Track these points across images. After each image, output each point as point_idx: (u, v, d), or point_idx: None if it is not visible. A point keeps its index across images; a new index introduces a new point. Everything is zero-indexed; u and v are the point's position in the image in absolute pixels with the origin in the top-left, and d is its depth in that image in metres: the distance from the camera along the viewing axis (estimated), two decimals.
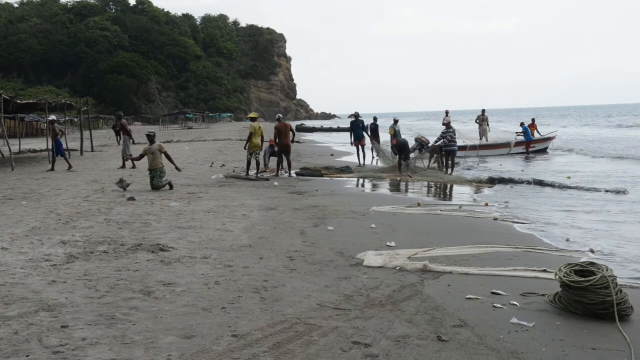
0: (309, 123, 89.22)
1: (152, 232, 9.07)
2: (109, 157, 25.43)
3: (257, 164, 17.63)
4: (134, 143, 21.03)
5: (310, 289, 6.26)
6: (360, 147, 21.71)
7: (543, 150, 28.96)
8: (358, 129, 21.75)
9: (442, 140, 19.13)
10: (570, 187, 15.27)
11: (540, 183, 15.97)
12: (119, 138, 21.52)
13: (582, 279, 5.43)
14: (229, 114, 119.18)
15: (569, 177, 17.38)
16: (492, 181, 17.02)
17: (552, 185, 15.72)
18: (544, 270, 7.00)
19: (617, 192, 14.30)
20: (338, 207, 11.77)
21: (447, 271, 6.99)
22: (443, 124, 19.68)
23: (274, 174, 18.39)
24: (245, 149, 17.67)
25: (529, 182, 16.22)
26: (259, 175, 17.46)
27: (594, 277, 5.41)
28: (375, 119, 25.23)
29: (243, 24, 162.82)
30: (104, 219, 10.25)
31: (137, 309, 5.52)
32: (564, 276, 5.56)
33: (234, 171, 18.66)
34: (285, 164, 18.42)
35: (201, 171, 19.31)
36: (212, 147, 32.18)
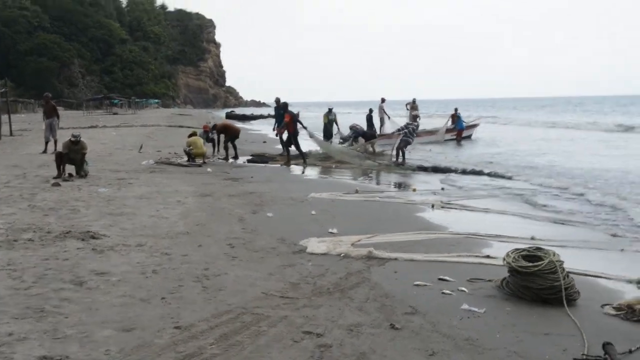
0: (238, 111, 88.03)
1: (81, 219, 8.54)
2: (29, 142, 24.11)
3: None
4: (59, 127, 19.99)
5: (254, 277, 6.00)
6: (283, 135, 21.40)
7: (468, 137, 29.80)
8: (281, 116, 21.42)
9: (404, 131, 19.10)
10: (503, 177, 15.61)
11: (477, 173, 16.19)
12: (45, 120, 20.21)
13: (531, 264, 5.41)
14: (157, 101, 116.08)
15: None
16: (424, 169, 17.23)
17: (486, 173, 16.01)
18: (488, 256, 7.01)
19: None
20: (276, 194, 11.52)
21: (393, 257, 6.87)
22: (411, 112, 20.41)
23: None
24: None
25: (464, 171, 16.41)
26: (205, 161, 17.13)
27: (542, 262, 5.40)
28: (370, 110, 27.00)
29: (171, 8, 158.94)
30: (28, 205, 9.59)
31: (68, 301, 5.12)
32: (512, 261, 5.53)
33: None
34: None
35: (130, 156, 18.58)
36: (140, 133, 31.06)
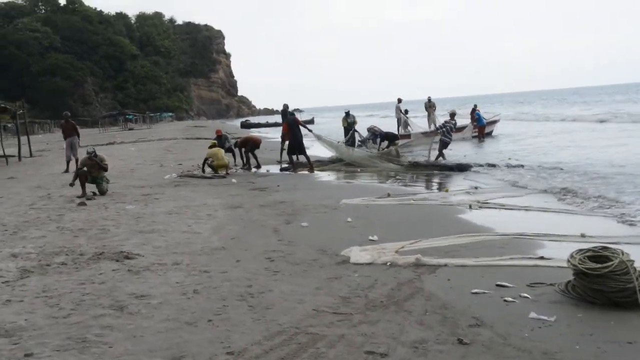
0: (253, 119, 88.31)
1: (112, 239, 8.27)
2: (50, 162, 24.07)
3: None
4: (79, 146, 19.85)
5: (301, 293, 5.68)
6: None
7: (489, 134, 29.35)
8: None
9: (441, 130, 18.86)
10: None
11: (507, 169, 15.84)
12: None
13: (600, 265, 5.03)
14: (170, 114, 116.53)
15: None
16: (450, 169, 16.85)
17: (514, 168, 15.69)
18: (542, 258, 6.64)
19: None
20: (306, 202, 11.20)
21: (442, 264, 6.52)
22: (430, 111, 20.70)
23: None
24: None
25: (493, 169, 16.07)
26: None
27: (612, 262, 5.01)
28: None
29: (179, 21, 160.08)
30: (56, 226, 9.34)
31: (111, 328, 4.82)
32: (578, 263, 5.15)
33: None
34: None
35: (152, 171, 18.38)
36: (158, 147, 31.01)
